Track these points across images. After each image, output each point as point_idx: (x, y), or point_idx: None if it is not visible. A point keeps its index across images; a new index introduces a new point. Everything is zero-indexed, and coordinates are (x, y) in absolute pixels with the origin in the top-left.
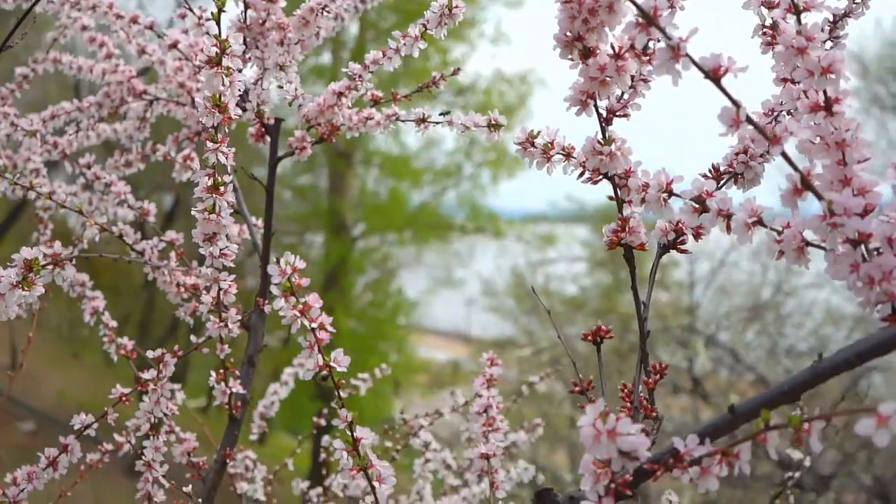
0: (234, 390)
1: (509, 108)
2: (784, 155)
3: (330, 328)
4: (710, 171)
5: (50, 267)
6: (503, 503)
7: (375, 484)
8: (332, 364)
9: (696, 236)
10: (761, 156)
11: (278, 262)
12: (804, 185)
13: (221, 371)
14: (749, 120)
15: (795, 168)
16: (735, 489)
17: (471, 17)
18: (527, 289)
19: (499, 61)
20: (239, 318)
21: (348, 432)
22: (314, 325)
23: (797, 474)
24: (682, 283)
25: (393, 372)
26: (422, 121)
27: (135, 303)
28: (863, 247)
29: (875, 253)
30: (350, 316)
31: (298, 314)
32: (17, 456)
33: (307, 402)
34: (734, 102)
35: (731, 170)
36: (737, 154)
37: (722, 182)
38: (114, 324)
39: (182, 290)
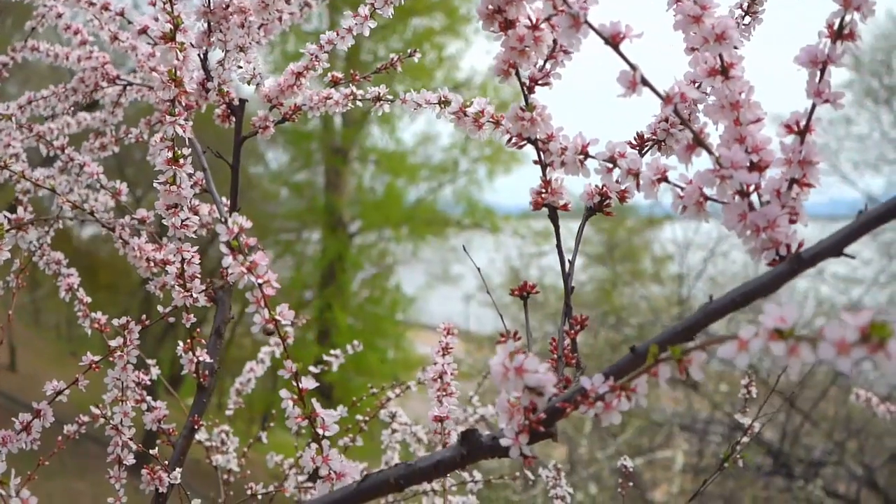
0: (201, 359)
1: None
2: (677, 113)
3: (275, 284)
4: (634, 138)
5: (13, 231)
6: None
7: (319, 431)
8: (277, 318)
9: (622, 199)
10: (682, 123)
11: (226, 221)
12: (696, 141)
13: (189, 341)
14: (644, 82)
15: (689, 127)
16: (725, 479)
17: (466, 13)
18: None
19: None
20: (203, 287)
21: (294, 383)
22: (261, 280)
23: (745, 439)
24: (675, 277)
25: (391, 368)
26: (377, 99)
27: (132, 301)
28: (756, 198)
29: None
30: (348, 312)
31: (245, 270)
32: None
33: None
34: (631, 66)
35: (654, 137)
36: (659, 122)
37: (646, 148)
38: (88, 299)
39: (151, 264)
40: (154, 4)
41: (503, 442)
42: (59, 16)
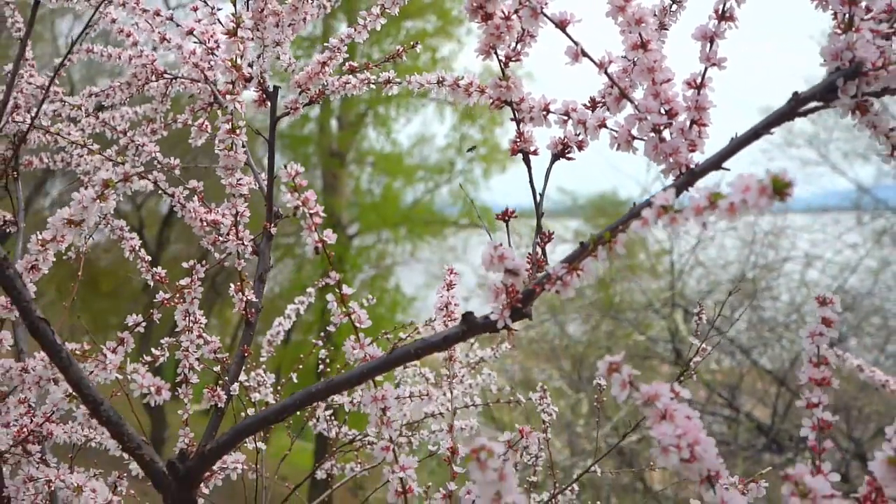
0: (249, 299)
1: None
2: (608, 76)
3: (322, 213)
4: (588, 100)
5: (121, 182)
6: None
7: (357, 324)
8: (324, 239)
9: (579, 148)
10: (611, 83)
11: (286, 166)
12: (622, 95)
13: (239, 283)
14: (584, 53)
15: (616, 84)
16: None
17: (458, 15)
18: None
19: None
20: (252, 237)
21: (337, 290)
22: (311, 211)
23: (695, 360)
24: (669, 269)
25: None
26: (388, 82)
27: (135, 307)
28: (667, 134)
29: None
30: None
31: (300, 203)
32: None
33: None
34: (575, 43)
35: (603, 100)
36: (606, 88)
37: (597, 109)
38: (149, 258)
39: (204, 224)
40: (196, 10)
41: (492, 317)
42: (114, 21)
